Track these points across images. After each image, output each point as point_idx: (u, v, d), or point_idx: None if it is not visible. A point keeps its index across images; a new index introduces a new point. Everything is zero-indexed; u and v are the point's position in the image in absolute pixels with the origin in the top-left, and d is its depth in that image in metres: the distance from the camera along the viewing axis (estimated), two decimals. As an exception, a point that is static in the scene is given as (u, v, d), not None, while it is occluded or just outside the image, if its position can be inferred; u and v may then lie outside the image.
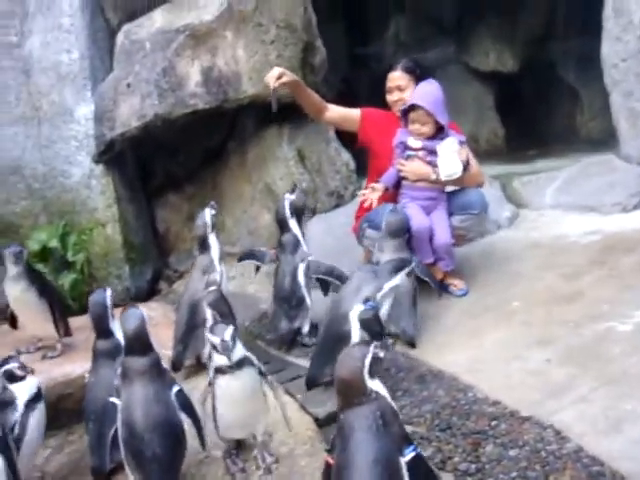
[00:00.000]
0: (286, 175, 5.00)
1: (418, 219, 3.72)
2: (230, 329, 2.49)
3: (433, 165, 3.77)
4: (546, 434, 2.68)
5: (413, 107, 3.77)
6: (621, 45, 4.88)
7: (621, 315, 3.40)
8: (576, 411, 2.79)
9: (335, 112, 4.12)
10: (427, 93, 3.77)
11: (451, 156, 3.74)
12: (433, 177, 3.77)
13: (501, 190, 5.22)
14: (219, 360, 2.49)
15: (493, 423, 2.83)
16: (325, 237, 4.81)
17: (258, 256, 3.96)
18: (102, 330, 2.89)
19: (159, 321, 3.92)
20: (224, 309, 3.53)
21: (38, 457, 2.87)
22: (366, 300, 2.95)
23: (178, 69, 4.58)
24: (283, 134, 5.09)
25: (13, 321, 3.65)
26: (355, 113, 4.12)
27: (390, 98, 4.06)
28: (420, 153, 3.80)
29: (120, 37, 4.82)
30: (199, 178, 5.27)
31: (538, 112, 6.76)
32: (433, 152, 3.78)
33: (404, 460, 1.96)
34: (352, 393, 1.99)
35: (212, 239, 3.61)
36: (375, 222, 3.88)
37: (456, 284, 4.03)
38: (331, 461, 2.01)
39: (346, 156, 5.23)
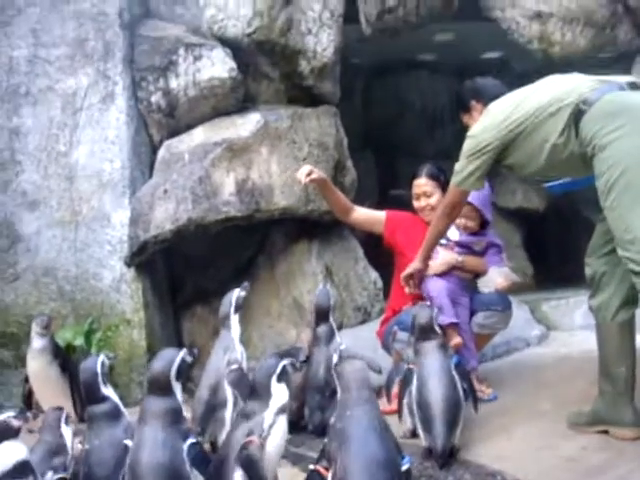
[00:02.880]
0: (314, 290, 5.01)
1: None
2: None
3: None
4: (583, 507, 2.51)
5: None
6: None
7: (657, 408, 3.25)
8: (615, 488, 2.62)
9: (361, 213, 4.23)
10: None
11: (496, 278, 3.78)
12: (459, 259, 3.80)
13: (530, 313, 5.18)
14: None
15: (524, 499, 2.65)
16: (351, 350, 4.76)
17: (293, 353, 3.87)
18: (94, 396, 2.81)
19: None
20: (245, 389, 3.45)
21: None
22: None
23: (213, 178, 4.78)
24: (312, 249, 5.19)
25: (29, 399, 3.60)
26: (380, 215, 4.21)
27: (417, 204, 4.13)
28: (451, 244, 3.85)
29: (162, 151, 5.09)
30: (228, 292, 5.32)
31: (566, 251, 6.81)
32: (464, 247, 3.84)
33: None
34: None
35: (234, 320, 3.62)
36: (406, 324, 3.78)
37: (484, 390, 3.87)
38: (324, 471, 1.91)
39: (374, 274, 5.28)
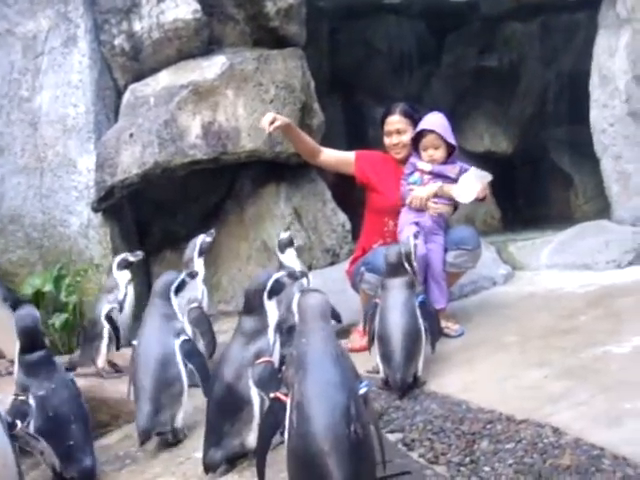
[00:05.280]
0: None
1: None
2: None
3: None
4: (543, 431, 2.57)
5: (422, 134, 3.86)
6: (608, 111, 5.06)
7: (618, 340, 3.34)
8: (575, 412, 2.69)
9: (330, 155, 4.20)
10: (435, 119, 3.90)
11: (472, 183, 3.80)
12: (439, 184, 3.82)
13: (497, 254, 5.25)
14: None
15: (488, 425, 2.71)
16: (320, 291, 4.82)
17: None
18: (36, 343, 2.82)
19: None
20: (204, 326, 3.57)
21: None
22: None
23: (180, 121, 4.74)
24: (280, 193, 5.20)
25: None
26: (349, 155, 4.19)
27: (389, 141, 4.11)
28: (426, 177, 3.87)
29: (127, 95, 5.03)
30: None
31: (533, 195, 6.89)
32: (440, 176, 3.86)
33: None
34: None
35: (198, 263, 3.81)
36: (373, 265, 3.82)
37: (450, 326, 3.94)
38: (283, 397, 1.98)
39: (342, 217, 5.31)
